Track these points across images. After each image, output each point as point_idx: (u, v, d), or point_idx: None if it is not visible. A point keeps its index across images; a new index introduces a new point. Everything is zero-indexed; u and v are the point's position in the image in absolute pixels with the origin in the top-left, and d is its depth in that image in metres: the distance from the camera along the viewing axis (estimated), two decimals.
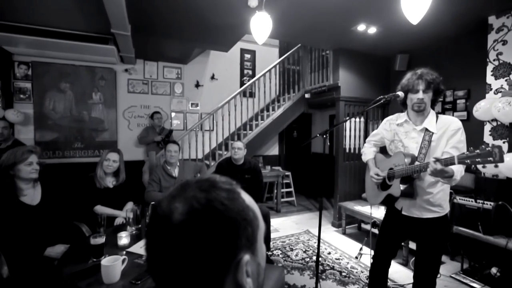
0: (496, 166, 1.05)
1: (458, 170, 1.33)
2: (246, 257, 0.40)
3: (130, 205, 2.28)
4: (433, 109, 1.59)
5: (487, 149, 1.12)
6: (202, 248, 0.37)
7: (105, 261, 1.24)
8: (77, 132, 4.14)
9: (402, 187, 1.53)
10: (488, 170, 2.55)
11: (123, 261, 1.31)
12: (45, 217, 1.78)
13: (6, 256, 1.49)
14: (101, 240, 1.44)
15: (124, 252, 1.52)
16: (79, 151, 4.15)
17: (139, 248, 1.58)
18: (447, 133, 1.47)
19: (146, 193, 2.60)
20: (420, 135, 1.55)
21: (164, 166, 2.77)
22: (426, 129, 1.52)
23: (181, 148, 2.95)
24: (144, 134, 4.23)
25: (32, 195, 1.78)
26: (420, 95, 1.49)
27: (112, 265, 1.23)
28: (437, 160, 1.26)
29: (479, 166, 2.58)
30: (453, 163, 1.22)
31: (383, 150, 1.84)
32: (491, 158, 1.10)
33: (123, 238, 1.61)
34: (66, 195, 2.00)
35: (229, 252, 0.39)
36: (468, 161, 1.17)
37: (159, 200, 0.43)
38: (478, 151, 1.14)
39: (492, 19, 2.69)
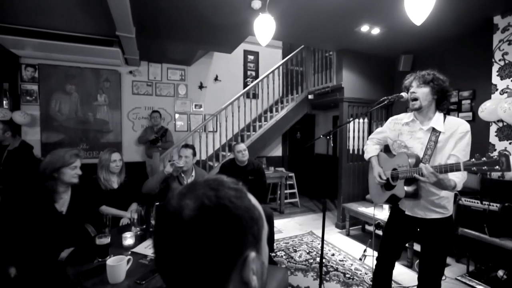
0: (501, 178, 1.04)
1: (461, 180, 1.34)
2: (252, 254, 0.42)
3: (134, 206, 2.29)
4: (440, 110, 1.56)
5: (494, 157, 1.10)
6: (212, 243, 0.38)
7: (110, 261, 1.25)
8: (82, 134, 4.18)
9: (406, 188, 1.52)
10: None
11: (128, 261, 1.32)
12: (71, 224, 1.76)
13: (23, 258, 1.50)
14: (106, 240, 1.45)
15: (129, 252, 1.53)
16: (84, 152, 4.19)
17: (144, 248, 1.59)
18: (455, 135, 1.45)
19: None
20: (426, 135, 1.53)
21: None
22: (433, 129, 1.50)
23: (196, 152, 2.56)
24: (143, 134, 4.29)
25: (64, 200, 1.77)
26: (413, 89, 1.52)
27: (117, 265, 1.24)
28: (433, 171, 1.27)
29: None
30: (459, 170, 1.22)
31: (386, 148, 1.82)
32: (498, 167, 1.09)
33: (128, 239, 1.62)
34: (87, 201, 1.96)
35: (236, 249, 0.40)
36: (474, 168, 1.16)
37: (168, 197, 0.44)
38: (484, 158, 1.13)
39: (497, 19, 2.67)
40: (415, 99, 1.51)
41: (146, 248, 1.59)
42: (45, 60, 3.89)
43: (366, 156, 1.85)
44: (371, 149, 1.84)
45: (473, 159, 1.17)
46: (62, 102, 4.06)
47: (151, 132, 4.18)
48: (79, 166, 1.76)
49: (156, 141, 4.07)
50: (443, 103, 1.55)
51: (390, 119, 1.79)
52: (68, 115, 4.10)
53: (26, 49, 3.46)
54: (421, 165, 1.35)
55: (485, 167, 1.13)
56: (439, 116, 1.52)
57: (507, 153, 1.10)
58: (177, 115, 4.80)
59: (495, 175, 2.64)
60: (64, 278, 1.30)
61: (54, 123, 4.02)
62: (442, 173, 1.29)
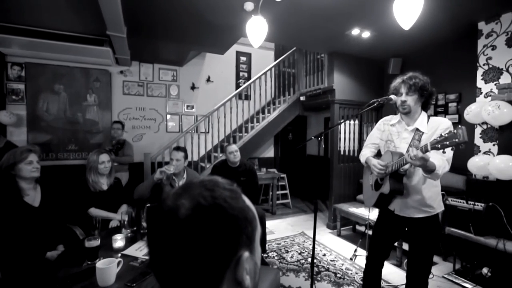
0: (461, 147, 1.13)
1: (440, 166, 1.40)
2: (246, 254, 0.42)
3: (124, 207, 2.26)
4: (426, 112, 1.64)
5: (452, 131, 1.22)
6: (207, 242, 0.39)
7: (100, 263, 1.24)
8: (71, 134, 4.09)
9: (391, 184, 1.57)
10: (479, 171, 2.60)
11: (118, 263, 1.30)
12: (46, 218, 1.79)
13: (5, 257, 1.48)
14: (95, 242, 1.43)
15: (119, 255, 1.51)
16: (72, 153, 4.11)
17: (135, 250, 1.58)
18: (437, 132, 1.52)
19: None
20: (410, 135, 1.61)
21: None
22: (417, 129, 1.58)
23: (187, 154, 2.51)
24: (102, 146, 3.81)
25: (33, 196, 1.80)
26: (403, 97, 1.57)
27: (107, 268, 1.22)
28: (419, 154, 1.34)
29: (471, 168, 2.63)
30: (427, 150, 1.31)
31: (378, 154, 1.86)
32: (456, 139, 1.19)
33: (118, 241, 1.60)
34: (61, 197, 1.99)
35: (231, 248, 0.41)
36: (439, 145, 1.26)
37: (163, 197, 0.45)
38: (445, 134, 1.24)
39: (481, 25, 2.76)
40: (406, 105, 1.57)
41: (137, 250, 1.57)
42: (33, 59, 3.79)
43: (363, 159, 1.85)
44: (367, 153, 1.85)
45: (437, 138, 1.28)
46: (50, 102, 3.96)
47: (109, 144, 3.70)
48: (35, 160, 1.77)
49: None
50: (428, 104, 1.63)
51: (380, 120, 1.86)
52: (56, 115, 4.01)
53: (12, 47, 3.37)
54: (409, 148, 1.42)
55: (447, 142, 1.23)
56: (423, 117, 1.60)
57: (463, 126, 1.21)
58: (168, 116, 4.76)
59: (480, 175, 2.72)
60: (52, 281, 1.27)
61: (41, 123, 3.92)
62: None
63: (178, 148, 2.42)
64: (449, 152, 1.46)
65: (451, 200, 2.59)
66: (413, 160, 1.34)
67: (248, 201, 0.47)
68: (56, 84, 3.98)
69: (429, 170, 1.39)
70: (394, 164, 1.52)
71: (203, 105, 4.94)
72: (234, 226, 0.41)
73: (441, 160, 1.44)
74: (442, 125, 1.53)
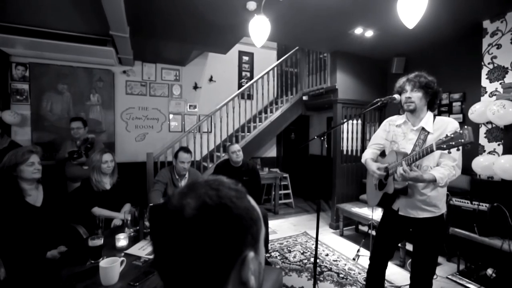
0: (467, 147, 1.14)
1: (442, 178, 1.41)
2: (251, 254, 0.42)
3: (127, 207, 2.27)
4: (431, 110, 1.62)
5: (458, 132, 1.21)
6: (213, 242, 0.39)
7: (103, 262, 1.24)
8: None
9: (395, 184, 1.56)
10: (484, 171, 2.58)
11: (121, 262, 1.31)
12: (48, 218, 1.79)
13: (8, 257, 1.49)
14: (99, 242, 1.44)
15: (122, 254, 1.51)
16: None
17: (138, 249, 1.58)
18: (444, 135, 1.50)
19: (151, 191, 2.52)
20: (416, 135, 1.59)
21: (172, 172, 2.59)
22: (423, 128, 1.57)
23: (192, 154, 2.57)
24: (62, 151, 3.11)
25: (35, 196, 1.80)
26: (408, 93, 1.57)
27: (110, 267, 1.23)
28: (408, 164, 1.38)
29: (475, 168, 2.61)
30: (432, 150, 1.33)
31: (383, 153, 1.85)
32: (462, 140, 1.19)
33: (121, 240, 1.61)
34: (64, 196, 2.00)
35: (236, 248, 0.41)
36: (444, 145, 1.26)
37: (168, 197, 0.45)
38: (452, 135, 1.24)
39: (486, 23, 2.74)
40: (411, 102, 1.56)
41: (140, 250, 1.58)
42: (37, 59, 3.81)
43: (363, 161, 1.85)
44: (367, 154, 1.85)
45: (443, 138, 1.29)
46: (53, 102, 3.98)
47: (71, 147, 3.03)
48: (37, 161, 1.76)
49: (77, 155, 2.86)
50: (434, 104, 1.61)
51: (385, 121, 1.84)
52: (60, 115, 4.03)
53: (16, 48, 3.39)
54: (403, 162, 1.44)
55: (452, 142, 1.23)
56: (429, 116, 1.58)
57: (469, 127, 1.21)
58: (171, 116, 4.77)
59: (484, 175, 2.70)
60: (56, 280, 1.28)
61: (45, 123, 3.95)
62: (420, 158, 1.42)
63: (187, 151, 2.51)
64: (455, 153, 1.44)
65: (456, 201, 2.57)
66: (403, 176, 1.39)
67: (253, 201, 0.47)
68: (59, 84, 4.00)
69: (421, 181, 1.43)
70: (398, 164, 1.51)
71: (205, 105, 4.94)
72: (239, 226, 0.41)
73: (447, 170, 1.43)
74: (450, 126, 1.51)
